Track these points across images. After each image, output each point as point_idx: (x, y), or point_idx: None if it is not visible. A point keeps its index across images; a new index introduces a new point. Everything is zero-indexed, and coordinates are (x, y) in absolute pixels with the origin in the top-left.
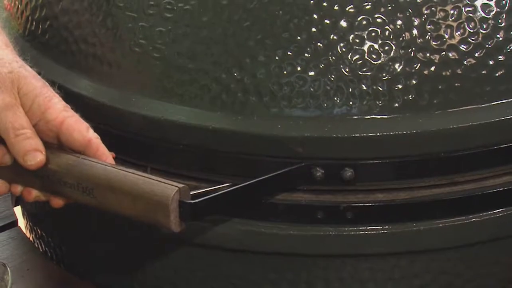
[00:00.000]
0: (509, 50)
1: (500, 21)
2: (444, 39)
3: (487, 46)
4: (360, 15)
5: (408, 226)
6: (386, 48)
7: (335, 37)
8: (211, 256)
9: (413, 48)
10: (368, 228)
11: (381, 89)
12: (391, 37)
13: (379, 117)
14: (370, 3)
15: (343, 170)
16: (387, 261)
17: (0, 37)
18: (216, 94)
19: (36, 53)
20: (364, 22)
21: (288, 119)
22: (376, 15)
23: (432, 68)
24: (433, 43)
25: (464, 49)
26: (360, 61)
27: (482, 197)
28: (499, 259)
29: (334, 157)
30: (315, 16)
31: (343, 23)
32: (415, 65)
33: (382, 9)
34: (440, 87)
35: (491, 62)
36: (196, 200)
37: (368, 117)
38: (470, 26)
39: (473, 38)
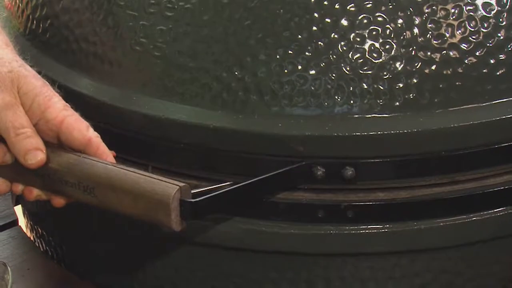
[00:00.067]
0: (510, 49)
1: (501, 19)
2: (445, 38)
3: (488, 45)
4: (361, 13)
5: (409, 225)
6: (387, 46)
7: (336, 36)
8: (212, 255)
9: (414, 47)
10: (368, 227)
11: (382, 88)
12: (392, 36)
13: (380, 116)
14: (371, 2)
15: (344, 169)
16: (387, 260)
17: (0, 37)
18: (217, 92)
19: (36, 52)
20: (365, 21)
21: (289, 117)
22: (377, 14)
23: (433, 67)
24: (434, 42)
25: (465, 48)
26: (361, 60)
27: (483, 196)
28: (500, 258)
29: (335, 156)
30: (316, 14)
31: (344, 22)
32: (416, 64)
33: (383, 8)
34: (441, 86)
35: (492, 61)
36: (197, 199)
37: (369, 116)
38: (471, 24)
39: (474, 37)
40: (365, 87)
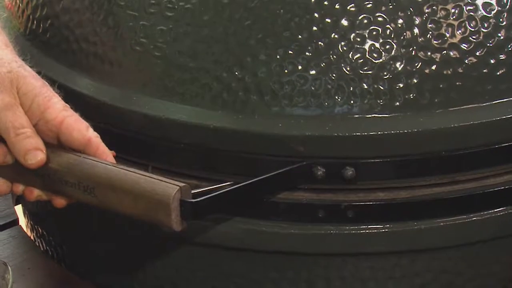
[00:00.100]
0: (510, 49)
1: (501, 19)
2: (445, 38)
3: (488, 45)
4: (361, 14)
5: (409, 225)
6: (387, 47)
7: (336, 36)
8: (213, 255)
9: (414, 47)
10: (369, 227)
11: (382, 88)
12: (392, 36)
13: (380, 116)
14: (371, 2)
15: (344, 169)
16: (388, 260)
17: (0, 37)
18: (217, 93)
19: (37, 52)
20: (365, 21)
21: (289, 118)
22: (377, 14)
23: (433, 67)
24: (434, 42)
25: (465, 48)
26: (361, 60)
27: (483, 196)
28: (500, 258)
29: (335, 156)
30: (316, 15)
31: (344, 22)
32: (416, 64)
33: (383, 8)
34: (441, 86)
35: (492, 61)
36: (197, 199)
37: (369, 116)
38: (471, 24)
39: (474, 37)
40: (365, 87)
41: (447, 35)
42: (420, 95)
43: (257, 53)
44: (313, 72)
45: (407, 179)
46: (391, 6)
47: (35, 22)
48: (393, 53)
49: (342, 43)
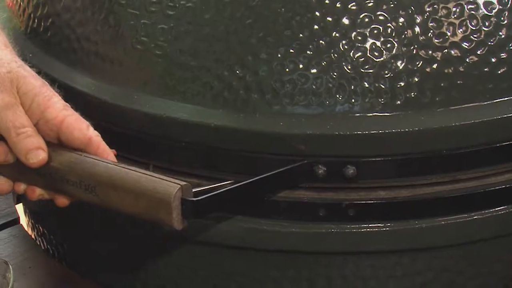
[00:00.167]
0: (511, 48)
1: (502, 18)
2: (446, 37)
3: (489, 43)
4: (362, 12)
5: (410, 224)
6: (388, 45)
7: (337, 35)
8: (214, 253)
9: (415, 46)
10: (370, 225)
11: (383, 86)
12: (393, 35)
13: (381, 114)
14: (372, 1)
15: (345, 167)
16: (389, 259)
17: (0, 38)
18: (218, 91)
19: (38, 50)
20: (366, 20)
21: (290, 116)
22: (378, 13)
23: (434, 66)
24: (435, 40)
25: (466, 47)
26: (362, 59)
27: (484, 194)
28: (501, 256)
29: (336, 154)
30: (317, 13)
31: (345, 21)
32: (417, 63)
33: (384, 7)
34: (442, 84)
35: (493, 60)
36: (199, 198)
37: (370, 114)
38: (473, 23)
39: (475, 36)
40: (367, 85)
41: (448, 33)
42: (421, 94)
43: (258, 52)
44: (314, 70)
45: (408, 177)
46: (392, 5)
47: (36, 20)
48: (394, 51)
49: (343, 42)
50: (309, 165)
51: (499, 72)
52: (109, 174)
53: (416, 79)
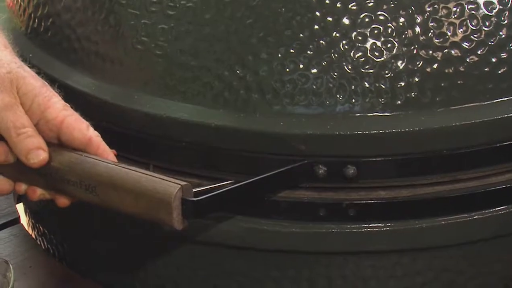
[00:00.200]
0: (511, 48)
1: (502, 18)
2: (447, 37)
3: (489, 43)
4: (362, 12)
5: (411, 224)
6: (389, 45)
7: (337, 35)
8: (214, 253)
9: (416, 46)
10: (370, 225)
11: (383, 86)
12: (394, 35)
13: (381, 114)
14: (372, 1)
15: (346, 167)
16: (389, 259)
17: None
18: (219, 91)
19: (38, 50)
20: (367, 20)
21: (290, 116)
22: (379, 13)
23: (435, 66)
24: (436, 40)
25: (466, 47)
26: (363, 59)
27: (485, 194)
28: (501, 256)
29: (336, 154)
30: (317, 13)
31: (346, 21)
32: (417, 63)
33: (385, 7)
34: (442, 84)
35: (493, 60)
36: (199, 198)
37: (371, 114)
38: (473, 23)
39: (475, 36)
40: (367, 85)
41: (449, 33)
42: (421, 94)
43: (258, 52)
44: (314, 70)
45: (409, 177)
46: (392, 5)
47: (36, 20)
48: (394, 51)
49: (344, 42)
50: (309, 165)
51: (500, 72)
52: (110, 174)
53: (417, 79)
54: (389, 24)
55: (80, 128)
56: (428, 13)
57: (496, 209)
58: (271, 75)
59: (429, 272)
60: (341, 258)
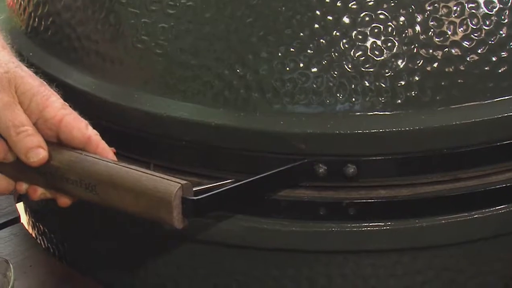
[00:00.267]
0: None
1: (503, 17)
2: (447, 36)
3: (490, 42)
4: (362, 11)
5: (411, 223)
6: (389, 44)
7: (337, 34)
8: (214, 252)
9: (416, 45)
10: (370, 224)
11: (383, 85)
12: (394, 34)
13: (381, 113)
14: (372, 0)
15: (346, 166)
16: (389, 258)
17: None
18: (219, 90)
19: (38, 49)
20: (367, 19)
21: (290, 115)
22: (379, 11)
23: (435, 65)
24: (436, 39)
25: (467, 46)
26: (363, 58)
27: (485, 193)
28: (502, 255)
29: (336, 153)
30: (317, 12)
31: (346, 20)
32: (418, 62)
33: (385, 6)
34: (443, 83)
35: (494, 59)
36: (199, 197)
37: (371, 113)
38: (473, 22)
39: (476, 35)
40: (367, 84)
41: (449, 32)
42: (421, 93)
43: (258, 51)
44: (314, 69)
45: (409, 176)
46: (392, 4)
47: (36, 19)
48: (394, 50)
49: (344, 41)
50: (309, 164)
51: (500, 71)
52: (110, 173)
53: (417, 78)
54: (389, 23)
55: (79, 127)
56: (428, 12)
57: (496, 208)
58: (271, 74)
59: (430, 271)
60: (341, 257)
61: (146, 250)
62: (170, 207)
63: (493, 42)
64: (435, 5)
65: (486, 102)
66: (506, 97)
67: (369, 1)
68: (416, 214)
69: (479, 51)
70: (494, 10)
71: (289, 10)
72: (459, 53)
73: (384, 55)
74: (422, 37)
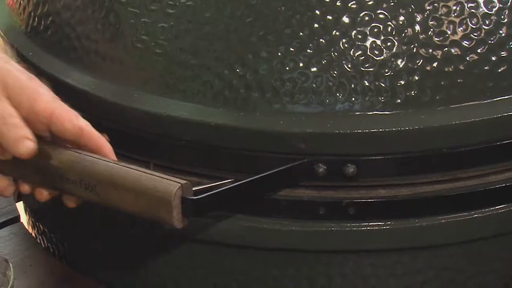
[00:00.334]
0: (511, 46)
1: (502, 17)
2: (447, 35)
3: (489, 42)
4: (362, 11)
5: (411, 222)
6: (389, 44)
7: (337, 33)
8: (214, 252)
9: (416, 44)
10: (370, 224)
11: (383, 85)
12: (394, 33)
13: (381, 113)
14: None
15: (346, 166)
16: (389, 257)
17: None
18: (219, 90)
19: (38, 49)
20: (367, 18)
21: (290, 115)
22: (379, 11)
23: (435, 64)
24: (436, 39)
25: (466, 45)
26: (363, 57)
27: (485, 193)
28: (501, 255)
29: (336, 153)
30: (317, 12)
31: (346, 19)
32: (417, 61)
33: (385, 5)
34: (442, 83)
35: (493, 58)
36: (199, 196)
37: (371, 113)
38: (473, 22)
39: (475, 34)
40: (367, 84)
41: (449, 32)
42: (421, 92)
43: (258, 50)
44: (314, 69)
45: (409, 176)
46: (392, 3)
47: (36, 19)
48: (394, 50)
49: (344, 40)
50: (309, 164)
51: (499, 70)
52: (110, 172)
53: (416, 78)
54: (389, 23)
55: (70, 118)
56: (428, 12)
57: (496, 207)
58: (271, 73)
59: (429, 270)
60: (341, 257)
61: (146, 250)
62: (169, 206)
63: (492, 42)
64: (435, 4)
65: (485, 101)
66: (506, 97)
67: (369, 1)
68: (416, 213)
69: (478, 50)
70: (494, 9)
71: (289, 10)
72: (459, 53)
73: (384, 54)
74: (421, 36)
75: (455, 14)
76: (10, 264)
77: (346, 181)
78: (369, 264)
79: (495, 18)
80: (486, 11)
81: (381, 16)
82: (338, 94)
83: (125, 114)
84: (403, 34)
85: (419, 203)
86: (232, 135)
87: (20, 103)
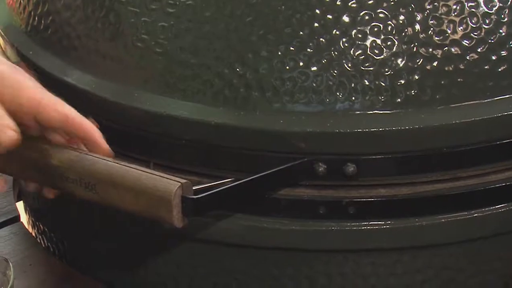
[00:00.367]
0: (511, 45)
1: (503, 16)
2: (447, 34)
3: (489, 41)
4: (362, 10)
5: (411, 221)
6: (389, 43)
7: (337, 32)
8: (214, 251)
9: (416, 43)
10: (370, 223)
11: (383, 84)
12: (394, 32)
13: (381, 112)
14: None
15: (346, 165)
16: (389, 256)
17: None
18: (219, 89)
19: (38, 48)
20: (367, 17)
21: (290, 114)
22: (379, 10)
23: (435, 63)
24: (436, 38)
25: (466, 44)
26: (363, 56)
27: (485, 192)
28: (501, 254)
29: (336, 152)
30: (317, 11)
31: (346, 18)
32: (417, 60)
33: (385, 4)
34: (442, 82)
35: (493, 57)
36: (199, 196)
37: (371, 112)
38: (473, 21)
39: (475, 33)
40: (367, 83)
41: (449, 31)
42: (421, 92)
43: (258, 50)
44: (314, 68)
45: (409, 175)
46: (392, 3)
47: (36, 18)
48: (394, 49)
49: (344, 40)
50: (309, 163)
51: (500, 69)
52: (109, 172)
53: (417, 77)
54: (389, 22)
55: (55, 107)
56: (428, 11)
57: (496, 207)
58: (271, 73)
59: (429, 270)
60: (341, 256)
61: (146, 249)
62: (169, 206)
63: (493, 41)
64: (435, 3)
65: (486, 101)
66: (506, 96)
67: (369, 0)
68: (416, 213)
69: (479, 50)
70: (494, 8)
71: (289, 9)
72: (459, 52)
73: (384, 54)
74: (421, 36)
75: (455, 13)
76: (10, 264)
77: (346, 180)
78: (369, 264)
79: (495, 17)
80: (486, 10)
81: (381, 15)
82: (338, 93)
83: (125, 113)
84: (403, 33)
85: (419, 202)
86: (232, 134)
87: (3, 95)
